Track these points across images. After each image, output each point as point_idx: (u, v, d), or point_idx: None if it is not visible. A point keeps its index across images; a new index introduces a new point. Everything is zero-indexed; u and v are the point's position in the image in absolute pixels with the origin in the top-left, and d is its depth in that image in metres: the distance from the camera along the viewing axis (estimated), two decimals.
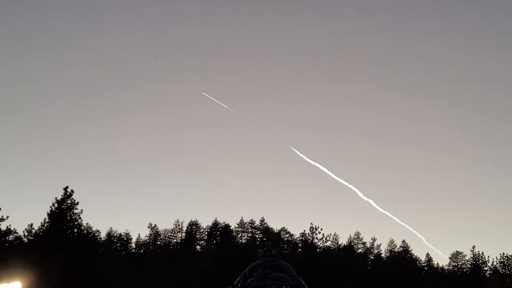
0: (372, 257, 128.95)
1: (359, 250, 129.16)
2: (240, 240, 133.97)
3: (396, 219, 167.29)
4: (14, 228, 54.91)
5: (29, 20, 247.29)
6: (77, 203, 57.84)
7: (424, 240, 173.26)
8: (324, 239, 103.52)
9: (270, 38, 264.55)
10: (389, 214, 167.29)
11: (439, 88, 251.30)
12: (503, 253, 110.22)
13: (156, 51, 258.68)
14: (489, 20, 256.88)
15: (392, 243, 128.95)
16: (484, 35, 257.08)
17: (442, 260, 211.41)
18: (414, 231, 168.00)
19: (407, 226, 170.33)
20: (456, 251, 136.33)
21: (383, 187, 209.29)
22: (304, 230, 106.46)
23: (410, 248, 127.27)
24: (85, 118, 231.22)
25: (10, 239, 56.74)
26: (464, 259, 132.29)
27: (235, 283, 50.69)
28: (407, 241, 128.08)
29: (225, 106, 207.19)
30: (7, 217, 51.67)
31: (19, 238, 61.42)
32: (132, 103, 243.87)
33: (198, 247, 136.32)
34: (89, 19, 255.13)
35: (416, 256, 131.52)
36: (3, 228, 52.03)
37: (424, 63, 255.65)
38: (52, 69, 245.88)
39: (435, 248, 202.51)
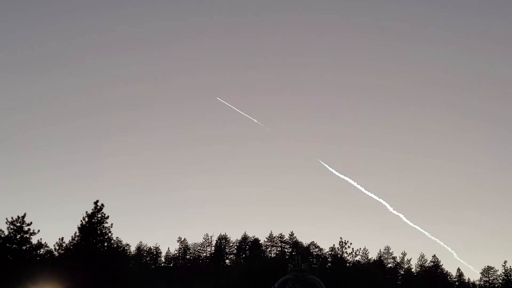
0: (402, 272, 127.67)
1: (389, 265, 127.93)
2: (270, 254, 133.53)
3: (427, 233, 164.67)
4: (45, 242, 55.40)
5: (59, 38, 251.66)
6: (107, 217, 58.19)
7: (455, 254, 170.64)
8: (353, 253, 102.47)
9: (300, 52, 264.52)
10: (420, 229, 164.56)
11: (469, 101, 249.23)
12: None
13: (186, 66, 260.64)
14: None
15: (422, 257, 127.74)
16: None
17: (473, 275, 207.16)
18: (445, 246, 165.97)
19: (438, 241, 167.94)
20: (488, 266, 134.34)
21: (413, 201, 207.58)
22: (334, 245, 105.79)
23: (441, 263, 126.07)
24: (114, 133, 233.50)
25: (41, 252, 57.21)
26: (495, 274, 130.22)
27: None
28: (437, 256, 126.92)
29: (255, 120, 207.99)
30: (38, 231, 52.35)
31: (50, 251, 61.99)
32: (161, 119, 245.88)
33: (227, 261, 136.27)
34: (112, 32, 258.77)
35: (447, 271, 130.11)
36: (34, 241, 52.62)
37: (455, 77, 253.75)
38: (80, 85, 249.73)
39: (466, 263, 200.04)
